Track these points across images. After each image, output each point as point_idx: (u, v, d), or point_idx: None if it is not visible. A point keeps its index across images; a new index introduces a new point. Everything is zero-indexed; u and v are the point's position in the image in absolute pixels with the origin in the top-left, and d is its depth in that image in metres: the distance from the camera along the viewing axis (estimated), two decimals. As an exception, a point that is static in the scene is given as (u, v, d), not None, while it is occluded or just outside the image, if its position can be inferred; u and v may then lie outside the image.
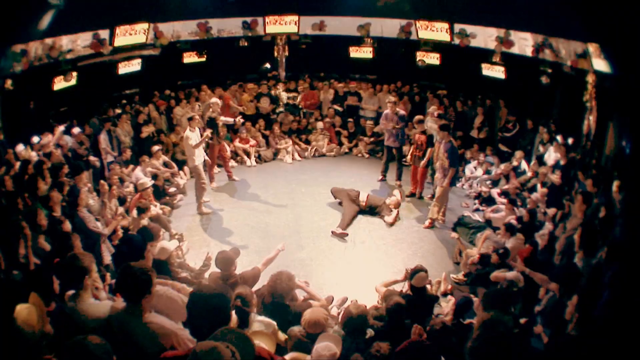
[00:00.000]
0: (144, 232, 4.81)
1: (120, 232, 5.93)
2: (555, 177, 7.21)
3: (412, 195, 8.63)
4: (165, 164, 8.87)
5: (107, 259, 5.39)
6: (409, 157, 8.81)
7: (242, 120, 9.23)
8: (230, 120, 9.06)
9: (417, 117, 8.30)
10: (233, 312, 3.58)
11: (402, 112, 8.85)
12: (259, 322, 3.56)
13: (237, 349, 1.96)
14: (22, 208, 4.88)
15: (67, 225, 4.87)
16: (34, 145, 7.38)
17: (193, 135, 7.71)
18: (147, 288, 2.68)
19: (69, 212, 5.51)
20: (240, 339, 2.06)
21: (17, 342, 2.55)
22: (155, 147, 8.85)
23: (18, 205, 4.70)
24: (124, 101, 10.24)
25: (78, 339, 2.14)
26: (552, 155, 7.93)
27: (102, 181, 6.78)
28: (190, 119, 7.94)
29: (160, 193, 7.98)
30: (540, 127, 8.74)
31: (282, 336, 3.69)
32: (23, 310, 2.68)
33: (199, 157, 7.84)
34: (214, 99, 9.06)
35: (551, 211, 6.70)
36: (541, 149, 8.51)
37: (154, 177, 8.02)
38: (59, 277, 3.67)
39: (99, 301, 3.18)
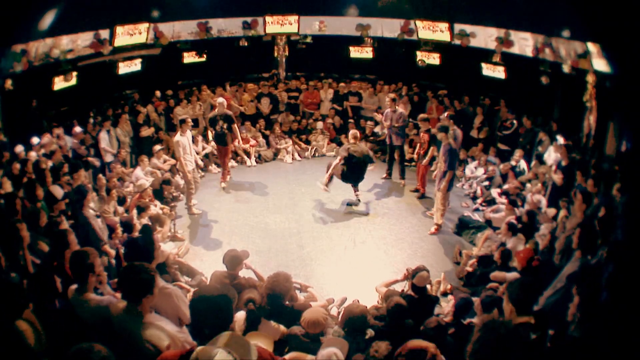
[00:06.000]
0: (145, 230, 4.70)
1: (119, 231, 5.90)
2: (557, 178, 7.19)
3: (416, 191, 8.68)
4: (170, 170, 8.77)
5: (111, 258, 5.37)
6: (415, 155, 8.80)
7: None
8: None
9: (422, 115, 8.30)
10: (241, 315, 3.58)
11: (400, 110, 8.86)
12: (268, 326, 3.57)
13: (238, 355, 1.93)
14: (21, 209, 4.85)
15: (65, 224, 4.85)
16: (33, 147, 7.36)
17: (184, 140, 7.26)
18: (148, 288, 2.65)
19: (72, 210, 5.49)
20: (241, 345, 2.04)
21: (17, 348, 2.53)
22: (157, 147, 8.83)
23: (16, 207, 4.67)
24: (122, 102, 10.24)
25: (82, 346, 2.03)
26: (552, 155, 7.91)
27: (100, 175, 6.73)
28: (183, 121, 7.35)
29: (160, 194, 7.94)
30: (540, 127, 8.74)
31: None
32: (22, 326, 2.63)
33: (190, 162, 7.52)
34: (220, 99, 8.79)
35: (551, 211, 6.67)
36: (540, 148, 8.50)
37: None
38: (61, 275, 3.66)
39: (102, 296, 3.19)
